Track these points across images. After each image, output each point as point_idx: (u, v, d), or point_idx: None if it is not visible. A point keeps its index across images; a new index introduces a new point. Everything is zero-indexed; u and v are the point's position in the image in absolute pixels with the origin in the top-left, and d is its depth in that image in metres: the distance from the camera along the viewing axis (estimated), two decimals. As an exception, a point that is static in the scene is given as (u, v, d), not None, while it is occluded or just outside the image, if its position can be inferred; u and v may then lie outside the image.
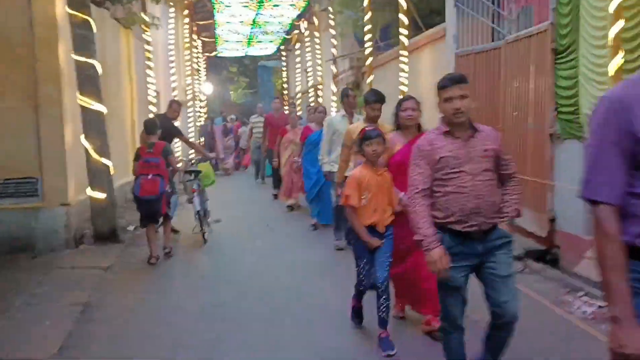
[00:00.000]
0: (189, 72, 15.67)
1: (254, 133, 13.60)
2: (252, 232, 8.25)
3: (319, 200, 7.93)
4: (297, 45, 22.27)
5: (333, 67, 13.95)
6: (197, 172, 7.51)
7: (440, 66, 8.72)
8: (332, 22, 13.76)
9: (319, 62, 17.78)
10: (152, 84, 9.50)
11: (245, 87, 35.67)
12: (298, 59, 22.18)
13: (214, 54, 26.12)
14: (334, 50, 13.87)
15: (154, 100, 9.73)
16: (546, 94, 5.99)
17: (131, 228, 7.70)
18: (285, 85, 27.28)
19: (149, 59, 9.33)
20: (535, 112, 6.26)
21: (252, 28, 19.12)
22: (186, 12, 15.35)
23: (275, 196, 10.84)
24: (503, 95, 7.05)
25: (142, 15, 9.03)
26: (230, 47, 23.52)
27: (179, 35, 15.79)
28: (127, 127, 9.83)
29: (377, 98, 5.06)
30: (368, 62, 10.13)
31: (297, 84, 22.36)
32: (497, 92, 7.17)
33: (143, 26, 9.21)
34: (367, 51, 10.26)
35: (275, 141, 10.36)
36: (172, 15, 14.61)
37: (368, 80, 10.16)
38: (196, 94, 19.63)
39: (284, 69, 27.41)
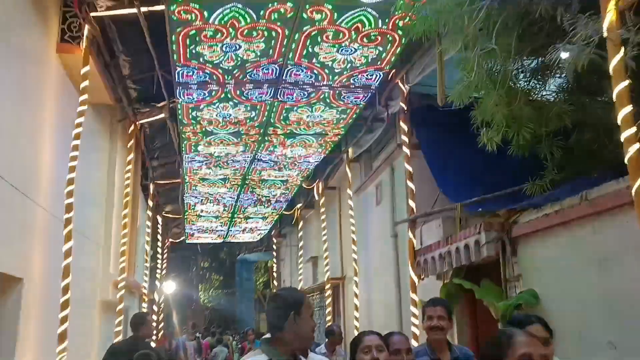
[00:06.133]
0: (124, 251, 8.49)
1: None
2: None
3: None
4: (300, 225, 15.55)
5: (410, 235, 6.98)
6: None
7: None
8: (408, 168, 7.15)
9: (348, 236, 10.81)
10: None
11: (219, 286, 28.17)
12: (301, 243, 15.33)
13: (180, 239, 19.13)
14: (412, 204, 7.03)
15: None
16: None
17: None
18: (275, 283, 20.04)
19: None
20: None
21: (240, 190, 12.42)
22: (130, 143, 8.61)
23: None
24: None
25: None
26: (203, 226, 16.62)
27: (117, 178, 8.85)
28: None
29: None
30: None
31: (299, 278, 15.22)
32: None
33: None
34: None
35: None
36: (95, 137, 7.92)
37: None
38: (143, 290, 12.15)
39: (274, 261, 20.40)
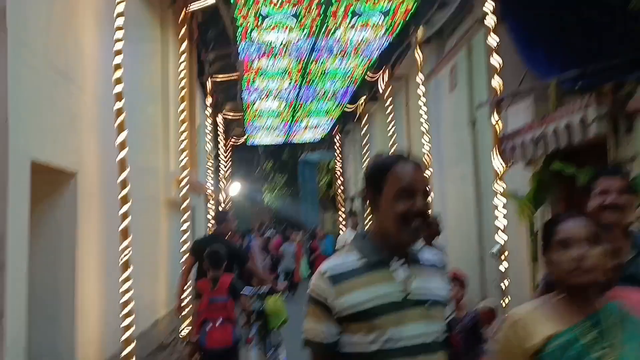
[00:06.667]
0: (184, 149, 8.10)
1: None
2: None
3: None
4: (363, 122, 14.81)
5: (494, 118, 6.19)
6: (259, 313, 5.80)
7: None
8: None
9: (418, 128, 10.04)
10: None
11: (282, 187, 28.27)
12: (365, 139, 14.67)
13: (242, 140, 18.88)
14: (496, 82, 6.17)
15: None
16: None
17: None
18: (340, 182, 19.68)
19: None
20: None
21: (301, 83, 11.74)
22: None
23: None
24: None
25: None
26: (264, 125, 16.22)
27: (171, 71, 8.35)
28: None
29: None
30: None
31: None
32: None
33: None
34: None
35: None
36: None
37: None
38: (208, 190, 12.03)
39: (337, 159, 19.94)
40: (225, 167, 17.17)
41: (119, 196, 5.03)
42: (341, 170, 19.89)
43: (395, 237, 1.78)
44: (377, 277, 1.76)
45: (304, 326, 1.83)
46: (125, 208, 5.04)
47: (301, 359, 6.36)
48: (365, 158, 14.74)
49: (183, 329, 7.24)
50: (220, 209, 15.03)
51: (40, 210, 4.46)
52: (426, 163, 9.35)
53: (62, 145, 4.48)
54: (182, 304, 6.52)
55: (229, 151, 17.83)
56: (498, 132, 6.20)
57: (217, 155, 16.29)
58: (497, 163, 6.18)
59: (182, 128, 7.98)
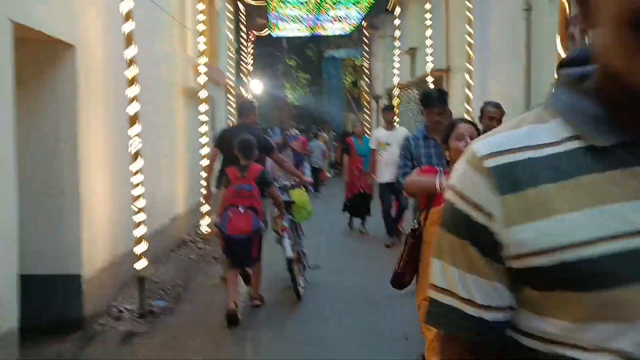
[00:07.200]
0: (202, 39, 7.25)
1: None
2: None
3: None
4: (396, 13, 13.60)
5: None
6: (289, 204, 5.59)
7: None
8: None
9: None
10: None
11: (306, 85, 27.27)
12: (397, 33, 13.55)
13: (265, 32, 17.78)
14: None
15: None
16: None
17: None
18: (365, 81, 18.70)
19: None
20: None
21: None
22: None
23: None
24: None
25: None
26: (288, 14, 15.10)
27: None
28: None
29: None
30: None
31: (394, 74, 13.75)
32: None
33: None
34: None
35: None
36: None
37: None
38: (229, 82, 11.29)
39: (365, 57, 18.81)
40: (247, 60, 16.29)
41: (127, 77, 4.37)
42: (369, 68, 18.87)
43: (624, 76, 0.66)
44: (618, 183, 0.70)
45: (432, 280, 0.81)
46: (134, 91, 4.39)
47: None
48: (396, 52, 13.72)
49: (207, 224, 6.86)
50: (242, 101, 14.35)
51: (32, 91, 3.84)
52: (468, 55, 8.45)
53: (55, 8, 3.75)
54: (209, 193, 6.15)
55: (251, 44, 16.85)
56: (567, 12, 5.27)
57: (238, 49, 15.38)
58: (562, 52, 5.31)
59: (199, 7, 7.14)
